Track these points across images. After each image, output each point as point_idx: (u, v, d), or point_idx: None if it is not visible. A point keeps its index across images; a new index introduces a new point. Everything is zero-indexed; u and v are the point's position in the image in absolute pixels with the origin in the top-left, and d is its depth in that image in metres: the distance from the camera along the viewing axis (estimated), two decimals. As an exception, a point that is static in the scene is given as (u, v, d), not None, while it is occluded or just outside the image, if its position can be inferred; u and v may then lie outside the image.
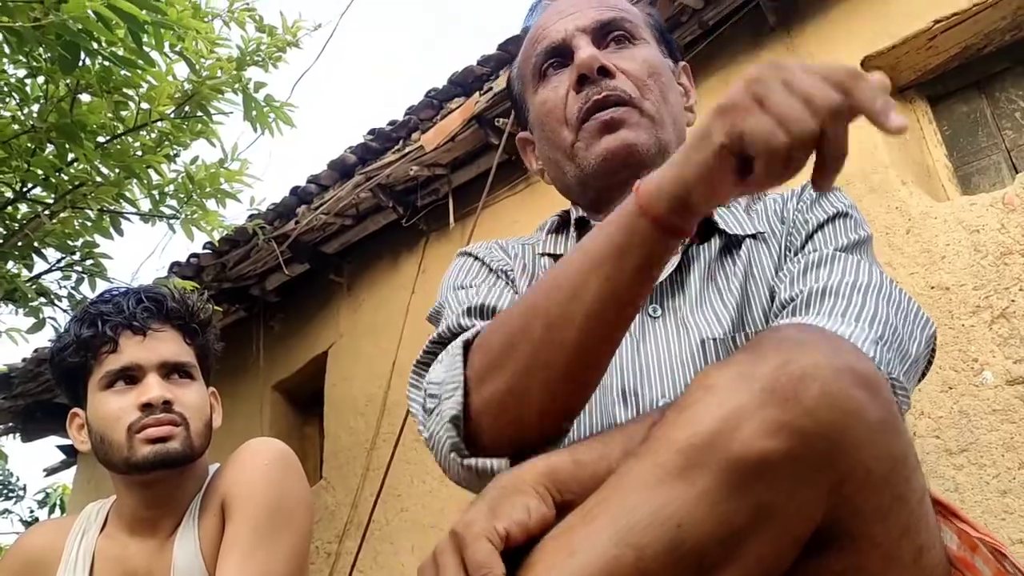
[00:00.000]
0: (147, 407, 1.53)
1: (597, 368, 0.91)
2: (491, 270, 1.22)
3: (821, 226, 1.09)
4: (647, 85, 1.17)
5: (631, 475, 0.70)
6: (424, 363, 1.07)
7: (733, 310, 1.07)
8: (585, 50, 1.16)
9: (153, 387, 1.55)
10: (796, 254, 1.08)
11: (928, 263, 2.71)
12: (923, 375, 1.03)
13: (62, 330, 1.71)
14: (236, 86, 3.32)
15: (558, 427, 0.93)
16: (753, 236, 1.14)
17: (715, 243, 1.15)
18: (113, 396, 1.55)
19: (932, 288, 2.68)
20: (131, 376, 1.57)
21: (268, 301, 5.22)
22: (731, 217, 1.17)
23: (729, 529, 0.66)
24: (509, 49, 3.92)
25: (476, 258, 1.25)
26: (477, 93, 3.98)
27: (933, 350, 1.02)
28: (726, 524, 0.66)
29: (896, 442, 0.71)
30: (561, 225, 1.27)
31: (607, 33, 1.20)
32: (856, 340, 0.86)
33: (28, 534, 1.74)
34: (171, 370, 1.60)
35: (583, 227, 1.21)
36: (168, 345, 1.61)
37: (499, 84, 3.86)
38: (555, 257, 1.22)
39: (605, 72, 1.15)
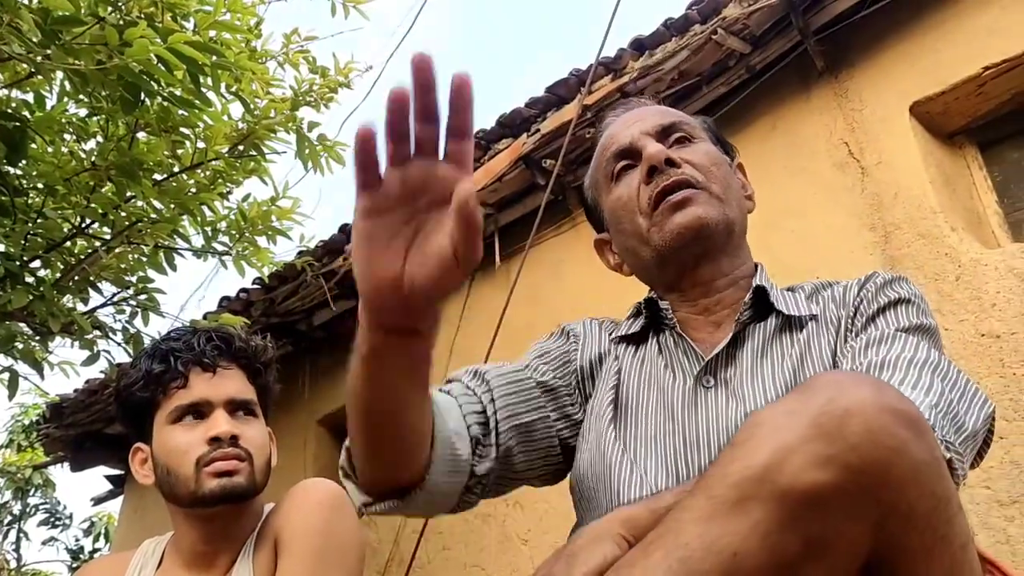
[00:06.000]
0: (215, 441, 1.57)
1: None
2: (563, 332, 1.38)
3: (883, 309, 1.15)
4: (711, 171, 1.28)
5: (687, 509, 0.72)
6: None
7: (783, 386, 1.12)
8: (653, 146, 1.28)
9: (221, 422, 1.59)
10: (858, 335, 1.14)
11: (978, 310, 2.68)
12: (982, 455, 1.06)
13: (131, 365, 1.76)
14: (290, 126, 3.39)
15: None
16: (812, 318, 1.21)
17: (772, 322, 1.22)
18: (181, 430, 1.59)
19: (982, 336, 2.64)
20: (199, 411, 1.61)
21: (315, 336, 5.28)
22: (791, 300, 1.24)
23: (782, 559, 0.68)
24: (556, 91, 3.96)
25: (569, 329, 1.40)
26: (524, 134, 4.02)
27: (991, 431, 1.05)
28: (779, 555, 0.68)
29: (939, 483, 0.73)
30: (639, 309, 1.37)
31: (669, 135, 1.32)
32: None
33: (88, 568, 1.77)
34: (237, 407, 1.64)
35: (651, 307, 1.32)
36: (234, 383, 1.65)
37: (546, 126, 3.90)
38: (625, 339, 1.33)
39: (672, 163, 1.26)
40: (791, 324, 1.21)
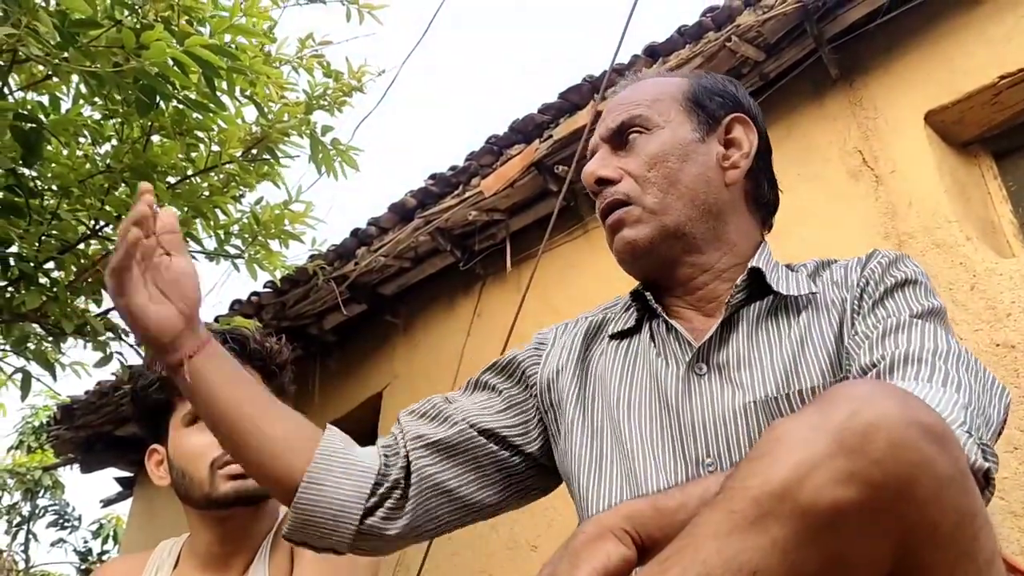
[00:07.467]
0: None
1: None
2: (508, 363, 1.40)
3: (891, 291, 1.12)
4: (647, 179, 1.24)
5: (705, 524, 0.71)
6: None
7: (780, 371, 1.11)
8: (590, 163, 1.29)
9: None
10: (866, 318, 1.11)
11: (993, 320, 2.66)
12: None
13: (143, 367, 1.76)
14: (303, 130, 3.39)
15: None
16: (811, 299, 1.18)
17: (766, 302, 1.20)
18: (196, 433, 1.59)
19: (997, 346, 2.62)
20: None
21: (325, 340, 5.29)
22: (792, 279, 1.22)
23: None
24: (569, 97, 3.96)
25: (539, 338, 1.41)
26: (537, 140, 4.03)
27: (1005, 419, 1.04)
28: (799, 572, 0.67)
29: (963, 498, 0.71)
30: (628, 303, 1.36)
31: (623, 134, 1.29)
32: (947, 405, 0.88)
33: (104, 569, 1.78)
34: None
35: (638, 299, 1.30)
36: None
37: (559, 131, 3.90)
38: (619, 336, 1.32)
39: (607, 181, 1.26)
40: (787, 304, 1.19)
